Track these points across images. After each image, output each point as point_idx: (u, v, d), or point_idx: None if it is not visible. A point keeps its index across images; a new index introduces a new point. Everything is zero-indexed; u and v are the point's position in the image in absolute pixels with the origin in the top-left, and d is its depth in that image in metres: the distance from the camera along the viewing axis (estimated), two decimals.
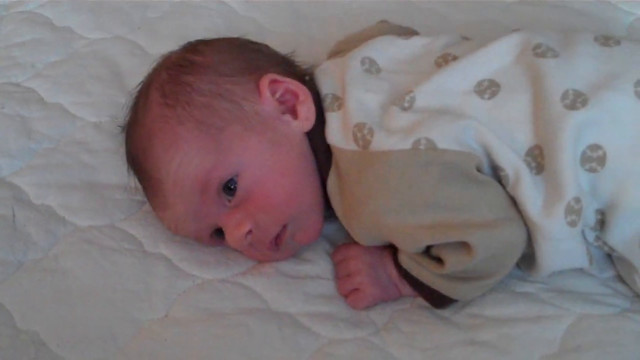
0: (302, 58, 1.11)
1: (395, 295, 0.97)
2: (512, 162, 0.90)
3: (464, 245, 0.87)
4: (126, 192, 1.06)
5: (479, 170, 0.91)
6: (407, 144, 0.91)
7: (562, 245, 0.91)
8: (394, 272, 0.96)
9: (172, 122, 0.95)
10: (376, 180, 0.90)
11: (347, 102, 0.96)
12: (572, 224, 0.89)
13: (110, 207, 1.06)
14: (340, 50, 1.10)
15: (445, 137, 0.90)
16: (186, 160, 0.93)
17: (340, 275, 0.99)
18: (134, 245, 1.02)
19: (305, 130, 0.98)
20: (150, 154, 0.96)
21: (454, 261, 0.89)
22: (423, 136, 0.90)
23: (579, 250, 0.92)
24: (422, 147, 0.90)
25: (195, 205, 0.95)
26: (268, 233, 0.95)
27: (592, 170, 0.90)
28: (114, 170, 1.08)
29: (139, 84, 1.03)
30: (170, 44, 1.26)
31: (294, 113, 0.98)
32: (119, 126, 1.04)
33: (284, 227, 0.96)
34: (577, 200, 0.89)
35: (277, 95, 0.99)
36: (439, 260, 0.91)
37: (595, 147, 0.90)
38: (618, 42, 0.97)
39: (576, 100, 0.90)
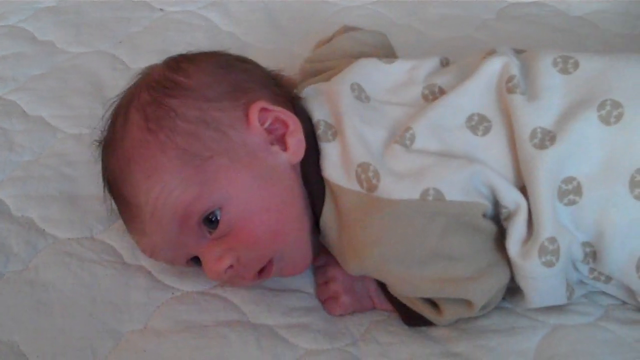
0: (282, 70, 1.09)
1: (369, 307, 0.98)
2: (514, 199, 0.91)
3: (463, 302, 0.90)
4: (105, 203, 1.06)
5: (484, 215, 0.92)
6: (415, 194, 0.90)
7: (540, 284, 0.91)
8: (372, 285, 0.97)
9: (153, 148, 0.91)
10: (382, 228, 0.90)
11: (345, 135, 0.94)
12: (549, 264, 0.90)
13: (90, 219, 1.06)
14: (317, 69, 1.09)
15: (453, 186, 0.90)
16: (167, 190, 0.90)
17: (319, 282, 1.00)
18: (114, 257, 1.02)
19: (294, 163, 0.95)
20: (129, 180, 0.92)
21: (452, 312, 0.91)
22: (431, 186, 0.90)
23: (559, 289, 0.93)
24: (430, 197, 0.89)
25: (174, 236, 0.92)
26: (250, 268, 0.93)
27: (571, 202, 0.91)
28: (94, 182, 1.07)
29: (118, 98, 1.00)
30: (151, 58, 1.26)
31: (282, 143, 0.95)
32: (95, 140, 1.02)
33: (270, 261, 0.94)
34: (552, 240, 0.89)
35: (267, 124, 0.94)
36: (433, 304, 0.92)
37: (570, 179, 0.91)
38: (577, 65, 0.96)
39: (545, 139, 0.91)
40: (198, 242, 0.92)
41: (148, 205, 0.91)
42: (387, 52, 1.14)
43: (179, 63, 0.99)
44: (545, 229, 0.89)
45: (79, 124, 1.19)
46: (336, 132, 0.95)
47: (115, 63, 1.31)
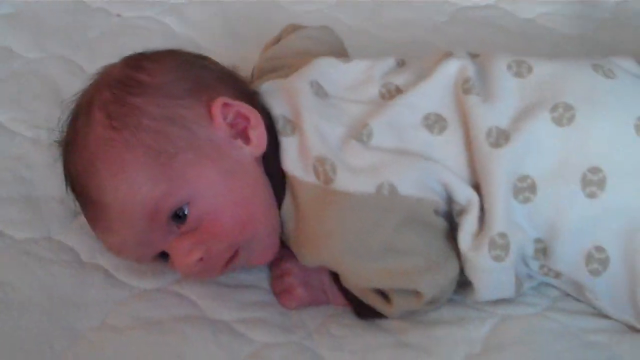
0: (238, 67, 1.10)
1: (323, 301, 1.00)
2: (467, 196, 0.94)
3: (413, 290, 0.92)
4: (63, 204, 1.07)
5: (437, 212, 0.94)
6: (371, 188, 0.92)
7: (488, 277, 0.94)
8: (326, 278, 0.99)
9: (118, 146, 0.92)
10: (338, 220, 0.92)
11: (304, 129, 0.96)
12: (497, 258, 0.92)
13: (47, 219, 1.07)
14: (274, 66, 1.11)
15: (407, 182, 0.93)
16: (135, 188, 0.90)
17: (274, 275, 1.02)
18: (71, 256, 1.03)
19: (257, 156, 0.97)
20: (94, 179, 0.92)
21: (401, 303, 0.93)
22: (386, 181, 0.92)
23: (507, 283, 0.96)
24: (385, 192, 0.92)
25: (142, 233, 0.92)
26: (219, 259, 0.94)
27: (526, 200, 0.94)
28: (52, 184, 1.09)
29: (75, 98, 1.00)
30: (109, 63, 1.29)
31: (245, 137, 0.96)
32: (55, 140, 1.02)
33: (236, 251, 0.95)
34: (502, 235, 0.92)
35: (229, 119, 0.96)
36: (384, 296, 0.94)
37: (524, 177, 0.94)
38: (530, 69, 0.99)
39: (500, 138, 0.94)
40: (166, 238, 0.93)
41: (116, 203, 0.91)
42: (336, 46, 1.17)
43: (139, 62, 1.00)
44: (497, 224, 0.92)
45: (37, 127, 1.20)
46: (295, 127, 0.97)
47: (73, 68, 1.32)
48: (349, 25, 1.44)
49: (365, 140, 0.96)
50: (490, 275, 0.94)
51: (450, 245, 0.95)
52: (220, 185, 0.93)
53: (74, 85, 1.24)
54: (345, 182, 0.93)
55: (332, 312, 0.99)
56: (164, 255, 0.96)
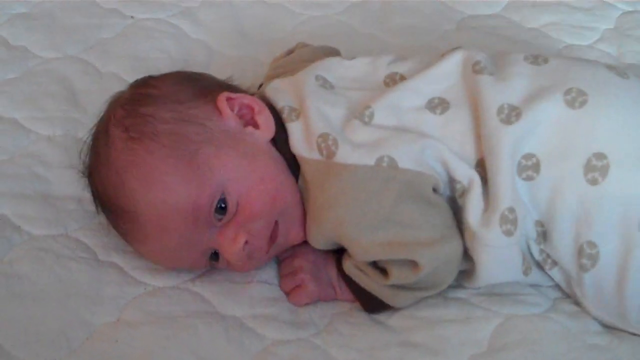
0: (248, 80, 1.16)
1: (332, 296, 1.02)
2: (466, 174, 0.96)
3: (411, 262, 0.93)
4: (79, 203, 1.09)
5: (435, 189, 0.96)
6: (370, 160, 0.96)
7: (498, 253, 0.96)
8: (334, 273, 1.02)
9: (141, 153, 0.95)
10: (338, 191, 0.95)
11: (307, 112, 1.00)
12: (508, 233, 0.94)
13: (64, 217, 1.09)
14: (279, 73, 1.13)
15: (406, 156, 0.96)
16: (169, 192, 0.94)
17: (284, 273, 1.04)
18: (88, 253, 1.05)
19: (269, 138, 1.01)
20: (122, 190, 0.95)
21: (398, 275, 0.94)
22: (386, 154, 0.95)
23: (516, 261, 0.98)
24: (384, 164, 0.95)
25: (186, 233, 0.95)
26: (263, 236, 0.98)
27: (529, 178, 0.96)
28: (67, 182, 1.12)
29: (94, 126, 1.04)
30: (122, 63, 1.33)
31: (254, 124, 1.01)
32: (79, 171, 1.05)
33: (276, 223, 0.99)
34: (511, 210, 0.94)
35: (235, 111, 1.01)
36: (382, 271, 0.96)
37: (529, 155, 0.96)
38: (546, 60, 1.03)
39: (511, 115, 0.96)
40: (210, 234, 0.97)
41: (151, 209, 0.94)
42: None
43: (144, 81, 1.06)
44: (505, 199, 0.94)
45: (52, 126, 1.22)
46: (299, 113, 1.01)
47: (87, 68, 1.34)
48: (356, 30, 1.46)
49: (367, 120, 1.00)
50: (501, 251, 0.96)
51: (451, 224, 0.96)
52: (245, 168, 0.97)
53: (87, 84, 1.30)
54: (346, 155, 0.96)
55: (340, 311, 1.02)
56: (212, 257, 1.00)
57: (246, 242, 0.96)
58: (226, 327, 0.97)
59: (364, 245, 0.94)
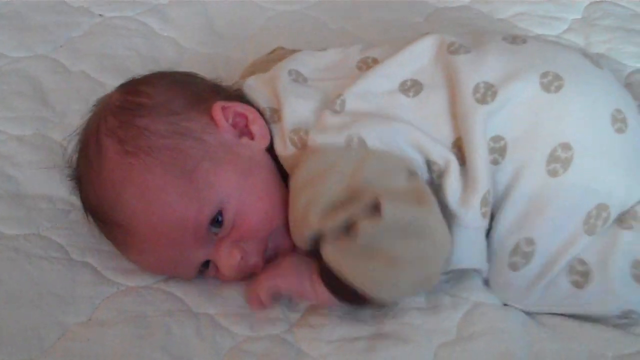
0: (219, 78, 1.14)
1: (308, 293, 0.96)
2: (443, 155, 0.95)
3: (376, 212, 0.89)
4: (51, 202, 1.09)
5: (411, 170, 0.94)
6: (340, 140, 0.95)
7: (472, 235, 0.96)
8: (315, 274, 0.95)
9: (138, 169, 0.94)
10: (308, 174, 0.94)
11: (282, 112, 1.00)
12: (485, 214, 0.95)
13: (35, 216, 1.08)
14: (255, 71, 1.13)
15: (375, 137, 0.95)
16: (167, 209, 0.93)
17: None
18: (60, 253, 1.05)
19: (265, 147, 1.00)
20: (119, 204, 0.95)
21: (364, 226, 0.89)
22: (355, 134, 0.95)
23: (482, 245, 0.98)
24: (354, 144, 0.95)
25: (186, 248, 0.96)
26: (258, 253, 0.98)
27: (495, 162, 0.96)
28: (38, 182, 1.11)
29: (79, 131, 1.03)
30: (91, 62, 1.32)
31: (248, 134, 1.00)
32: (67, 176, 1.04)
33: (271, 237, 0.99)
34: (489, 192, 0.95)
35: (230, 120, 1.00)
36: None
37: (498, 138, 0.96)
38: (525, 41, 1.03)
39: (486, 94, 0.96)
40: (206, 248, 0.97)
41: (148, 225, 0.94)
42: None
43: (134, 87, 1.03)
44: (484, 180, 0.94)
45: (22, 125, 1.22)
46: (280, 115, 1.01)
47: (56, 67, 1.33)
48: (326, 25, 1.47)
49: (338, 109, 1.00)
50: (475, 232, 0.96)
51: (428, 196, 0.92)
52: (243, 184, 0.96)
53: (57, 83, 1.29)
54: (316, 139, 0.97)
55: (312, 304, 1.01)
56: (204, 265, 1.00)
57: (241, 257, 0.97)
58: (198, 325, 0.98)
59: (330, 214, 0.91)
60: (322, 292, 0.95)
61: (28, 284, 1.00)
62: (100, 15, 1.45)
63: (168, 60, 1.36)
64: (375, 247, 0.90)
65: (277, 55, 1.17)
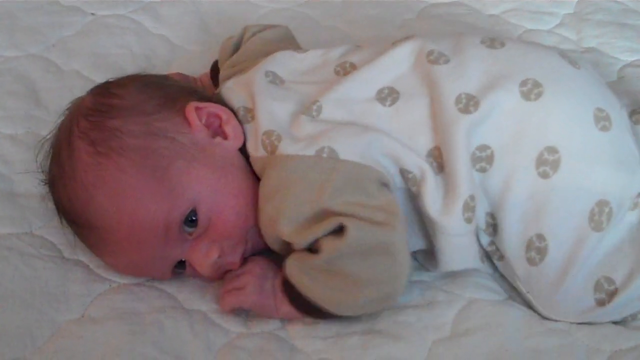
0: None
1: (269, 311, 0.97)
2: (417, 164, 0.96)
3: (341, 234, 0.90)
4: (43, 201, 1.08)
5: (385, 184, 0.95)
6: (310, 151, 0.95)
7: (458, 241, 0.97)
8: (278, 282, 0.96)
9: (111, 170, 0.94)
10: (278, 181, 0.95)
11: (257, 112, 1.00)
12: (468, 220, 0.95)
13: (28, 215, 1.08)
14: (234, 72, 1.12)
15: (348, 148, 0.95)
16: (140, 209, 0.93)
17: (232, 274, 1.00)
18: (53, 251, 1.05)
19: (238, 147, 1.00)
20: (91, 205, 0.94)
21: (327, 245, 0.90)
22: (327, 145, 0.95)
23: (473, 248, 0.99)
24: (324, 155, 0.94)
25: (158, 248, 0.95)
26: (235, 252, 0.98)
27: (482, 170, 0.97)
28: (30, 181, 1.11)
29: (51, 135, 1.03)
30: (84, 61, 1.32)
31: (222, 134, 1.00)
32: (41, 181, 1.05)
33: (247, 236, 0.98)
34: (472, 197, 0.95)
35: (203, 121, 1.00)
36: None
37: (484, 147, 0.97)
38: (503, 44, 1.03)
39: (469, 104, 0.97)
40: (182, 247, 0.97)
41: (122, 226, 0.94)
42: (292, 44, 1.20)
43: (106, 89, 1.03)
44: (465, 186, 0.95)
45: (14, 124, 1.22)
46: (253, 115, 1.01)
47: (48, 66, 1.33)
48: (318, 22, 1.47)
49: (314, 115, 1.00)
50: (461, 239, 0.97)
51: (394, 216, 0.92)
52: (217, 183, 0.96)
53: (49, 82, 1.29)
54: (286, 147, 0.96)
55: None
56: (179, 266, 1.00)
57: (219, 256, 0.96)
58: (191, 321, 0.98)
59: (299, 231, 0.92)
60: (286, 308, 0.96)
61: (21, 282, 1.00)
62: (92, 13, 1.44)
63: (160, 58, 1.37)
64: (337, 266, 0.91)
65: (253, 45, 1.17)
